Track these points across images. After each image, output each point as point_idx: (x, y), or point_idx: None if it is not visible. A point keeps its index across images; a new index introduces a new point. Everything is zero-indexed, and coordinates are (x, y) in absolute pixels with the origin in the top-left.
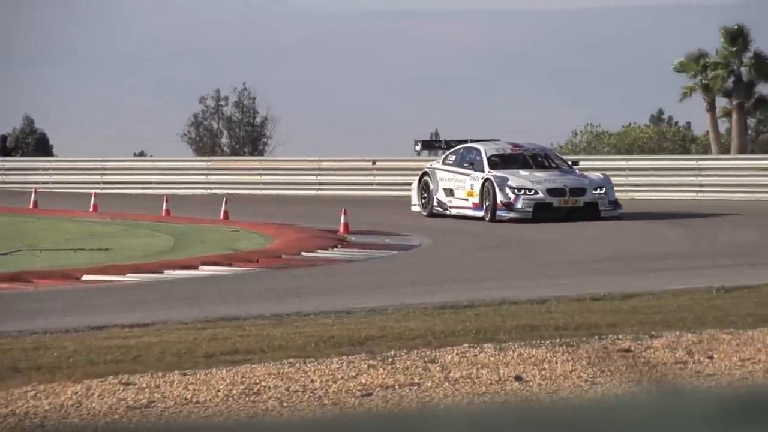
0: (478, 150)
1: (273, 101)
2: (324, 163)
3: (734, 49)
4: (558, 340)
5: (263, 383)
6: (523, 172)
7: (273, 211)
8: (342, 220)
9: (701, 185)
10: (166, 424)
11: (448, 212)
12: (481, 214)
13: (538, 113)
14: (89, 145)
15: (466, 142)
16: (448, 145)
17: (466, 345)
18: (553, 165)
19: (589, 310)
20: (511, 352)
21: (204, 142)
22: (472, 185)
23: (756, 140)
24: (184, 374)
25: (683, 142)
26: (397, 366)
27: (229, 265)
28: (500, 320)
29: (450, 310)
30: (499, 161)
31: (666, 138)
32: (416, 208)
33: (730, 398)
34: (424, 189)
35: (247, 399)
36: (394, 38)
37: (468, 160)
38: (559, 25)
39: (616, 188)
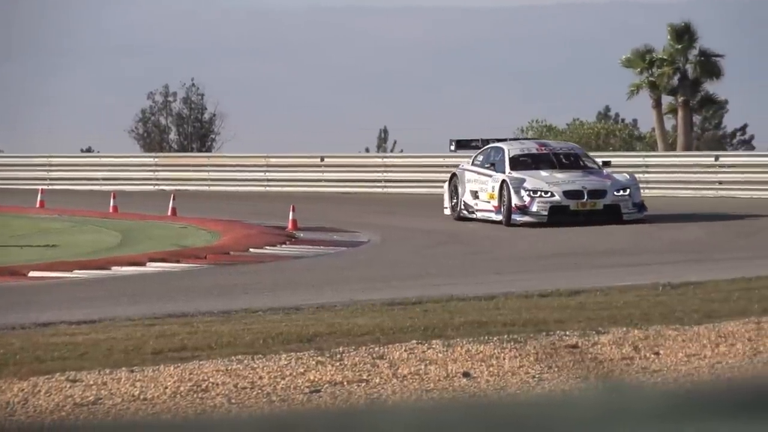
0: (501, 150)
1: (221, 97)
2: (272, 160)
3: (680, 46)
4: (506, 337)
5: (211, 380)
6: (543, 173)
7: (221, 208)
8: (290, 217)
9: (647, 182)
10: (114, 421)
11: (474, 215)
12: (500, 217)
13: (485, 109)
14: (36, 142)
15: (505, 140)
16: (486, 144)
17: (415, 341)
18: (581, 165)
19: (537, 307)
20: (459, 349)
21: (152, 138)
22: (492, 187)
23: (701, 138)
24: (132, 371)
25: (630, 140)
26: (346, 362)
27: (177, 261)
28: (448, 317)
29: (398, 307)
30: (523, 161)
31: (614, 135)
32: (447, 211)
33: (675, 394)
34: (454, 191)
35: (195, 396)
36: (342, 34)
37: (491, 161)
38: (506, 22)
39: None
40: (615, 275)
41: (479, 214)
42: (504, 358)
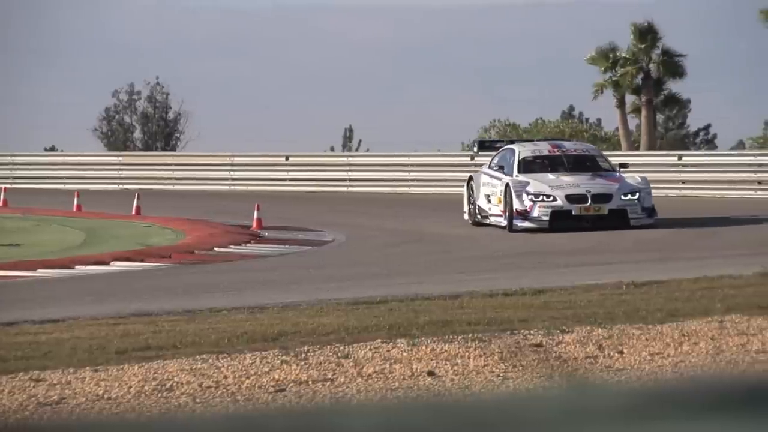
0: (513, 151)
1: (186, 96)
2: (237, 159)
3: (644, 46)
4: (470, 336)
5: (176, 379)
6: (551, 176)
7: (186, 207)
8: (255, 216)
9: None
10: (78, 421)
11: (488, 221)
12: (506, 223)
13: (450, 108)
14: None
15: (530, 141)
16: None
17: (379, 340)
18: (594, 167)
19: (502, 306)
20: (424, 348)
21: (116, 137)
22: (501, 190)
23: (664, 137)
24: (96, 370)
25: (594, 140)
26: (311, 361)
27: (141, 260)
28: (413, 316)
29: (363, 306)
30: (534, 163)
31: (581, 135)
32: (465, 216)
33: (639, 392)
34: (471, 195)
35: (159, 395)
36: (307, 33)
37: (503, 163)
38: (470, 21)
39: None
40: (579, 274)
41: (492, 219)
42: (469, 357)
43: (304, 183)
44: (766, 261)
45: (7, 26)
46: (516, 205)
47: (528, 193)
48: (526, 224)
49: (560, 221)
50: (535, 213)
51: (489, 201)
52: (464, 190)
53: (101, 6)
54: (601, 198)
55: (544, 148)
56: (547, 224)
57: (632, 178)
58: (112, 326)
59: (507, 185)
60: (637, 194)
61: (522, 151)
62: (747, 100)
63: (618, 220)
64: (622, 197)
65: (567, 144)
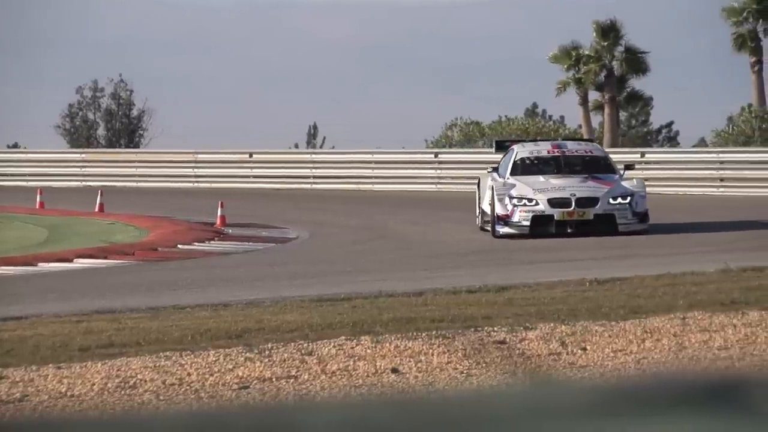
0: (513, 152)
1: (149, 94)
2: (201, 156)
3: (606, 43)
4: (434, 333)
5: (139, 376)
6: (541, 179)
7: (149, 204)
8: (219, 213)
9: None
10: (41, 418)
11: (487, 226)
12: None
13: (414, 106)
14: None
15: (548, 140)
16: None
17: (343, 337)
18: (594, 169)
19: (465, 303)
20: (387, 345)
21: (79, 134)
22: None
23: (626, 134)
24: (59, 368)
25: (555, 137)
26: (274, 359)
27: (105, 258)
28: (377, 313)
29: (327, 303)
30: (530, 164)
31: (542, 132)
32: (478, 221)
33: (602, 389)
34: (478, 198)
35: (122, 392)
36: (270, 30)
37: (503, 164)
38: (433, 19)
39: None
40: (543, 271)
41: (489, 225)
42: (432, 354)
43: (268, 180)
44: (728, 258)
45: None
46: (498, 209)
47: (511, 197)
48: (506, 230)
49: (542, 227)
50: (516, 218)
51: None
52: (475, 194)
53: (65, 3)
54: (586, 202)
55: (543, 149)
56: (528, 230)
57: (628, 181)
58: (75, 324)
59: (491, 188)
60: (629, 198)
61: (520, 151)
62: (709, 97)
63: (605, 226)
64: (611, 201)
65: (570, 144)
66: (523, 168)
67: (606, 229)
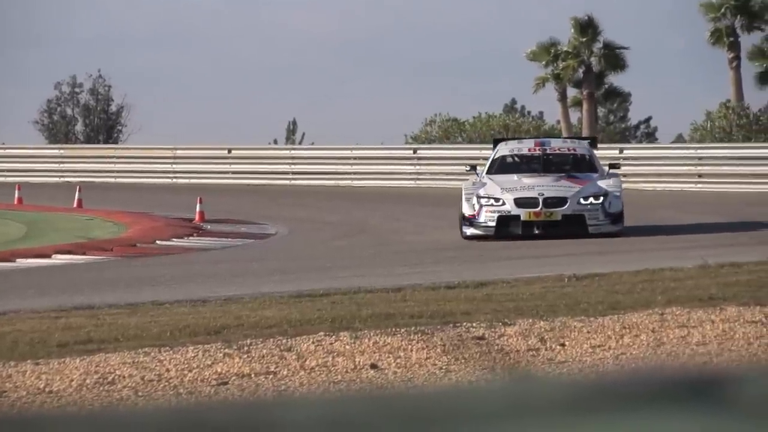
0: (496, 150)
1: (128, 89)
2: (179, 152)
3: (584, 39)
4: (413, 329)
5: (118, 372)
6: (515, 177)
7: (128, 200)
8: (197, 209)
9: None
10: (18, 414)
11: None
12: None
13: (393, 102)
14: None
15: (518, 138)
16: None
17: (322, 333)
18: (576, 168)
19: (444, 298)
20: (366, 341)
21: (58, 129)
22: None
23: (604, 130)
24: (37, 364)
25: (537, 134)
26: (253, 354)
27: (83, 254)
28: (356, 308)
29: (306, 299)
30: (509, 163)
31: (521, 129)
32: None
33: (581, 385)
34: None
35: (101, 388)
36: (249, 26)
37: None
38: (411, 14)
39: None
40: (521, 267)
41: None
42: (411, 350)
43: (247, 176)
44: (706, 254)
45: None
46: (465, 209)
47: (479, 197)
48: (472, 230)
49: (508, 228)
50: (482, 218)
51: None
52: None
53: None
54: (554, 202)
55: (525, 147)
56: (493, 231)
57: (604, 180)
58: (54, 319)
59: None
60: (602, 198)
61: (501, 149)
62: (687, 93)
63: (575, 227)
64: (582, 201)
65: (555, 142)
66: (500, 166)
67: (575, 231)
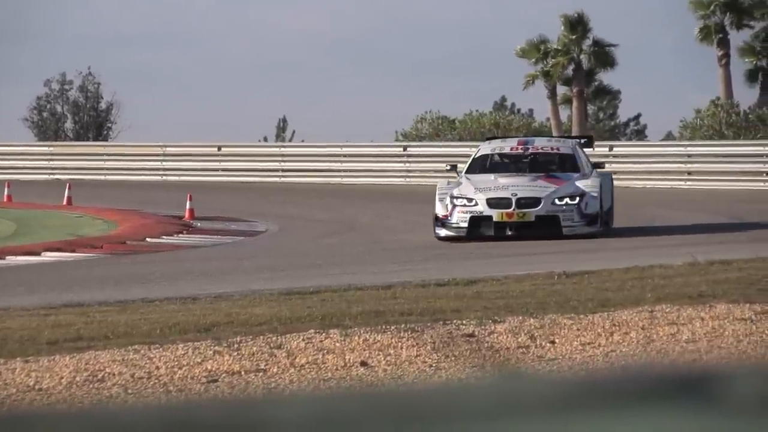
0: (478, 149)
1: (118, 87)
2: (169, 149)
3: (574, 37)
4: (403, 326)
5: (108, 370)
6: (492, 177)
7: (117, 197)
8: (187, 206)
9: None
10: (8, 412)
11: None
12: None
13: (383, 99)
14: None
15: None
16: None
17: (312, 331)
18: (560, 168)
19: (434, 296)
20: (356, 338)
21: (47, 127)
22: None
23: (593, 128)
24: (27, 361)
25: (527, 131)
26: (243, 352)
27: (73, 251)
28: (346, 306)
29: (296, 296)
30: (490, 162)
31: (510, 128)
32: None
33: (571, 382)
34: None
35: (91, 386)
36: (238, 23)
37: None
38: (401, 11)
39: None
40: (511, 265)
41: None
42: (401, 348)
43: (237, 173)
44: (695, 251)
45: None
46: (438, 209)
47: (452, 197)
48: (444, 231)
49: (480, 228)
50: (454, 219)
51: None
52: None
53: None
54: (527, 202)
55: (508, 145)
56: (465, 232)
57: (583, 181)
58: (44, 317)
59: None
60: (578, 199)
61: (483, 148)
62: (677, 91)
63: (549, 228)
64: (557, 202)
65: (538, 141)
66: (480, 165)
67: (549, 232)
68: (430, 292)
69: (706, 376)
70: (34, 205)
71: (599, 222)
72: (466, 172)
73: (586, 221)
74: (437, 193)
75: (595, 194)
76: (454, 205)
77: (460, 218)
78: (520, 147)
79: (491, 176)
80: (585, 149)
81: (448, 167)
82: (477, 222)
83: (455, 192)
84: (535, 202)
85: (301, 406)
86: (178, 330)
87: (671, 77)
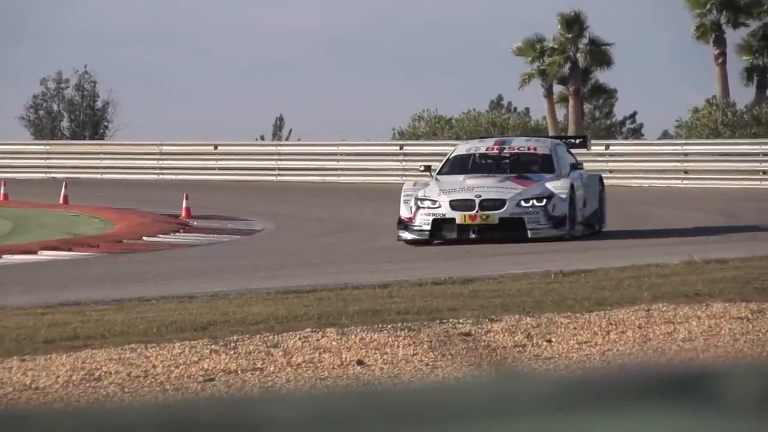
0: (454, 149)
1: (114, 85)
2: (165, 148)
3: (570, 35)
4: (400, 325)
5: (104, 369)
6: (460, 178)
7: (114, 196)
8: (184, 205)
9: None
10: (5, 411)
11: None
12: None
13: (380, 98)
14: None
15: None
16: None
17: (309, 330)
18: (539, 169)
19: (431, 295)
20: (353, 337)
21: (44, 125)
22: None
23: (590, 127)
24: (23, 360)
25: (523, 130)
26: (240, 351)
27: (69, 250)
28: (343, 305)
29: (293, 295)
30: (462, 162)
31: (507, 127)
32: None
33: (567, 381)
34: None
35: (87, 385)
36: (235, 23)
37: None
38: (397, 10)
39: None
40: (507, 263)
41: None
42: (398, 346)
43: (234, 172)
44: (692, 250)
45: None
46: (402, 212)
47: (417, 198)
48: (406, 235)
49: (443, 231)
50: (417, 221)
51: None
52: None
53: None
54: (491, 204)
55: (484, 146)
56: (428, 235)
57: (554, 182)
58: (40, 316)
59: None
60: (545, 201)
61: (459, 148)
62: (673, 89)
63: (513, 231)
64: (522, 203)
65: (516, 141)
66: (453, 166)
67: (514, 235)
68: (426, 291)
69: (702, 374)
70: (31, 204)
71: (567, 224)
72: (438, 173)
73: (553, 224)
74: (402, 194)
75: (564, 196)
76: (419, 207)
77: (423, 221)
78: (495, 147)
79: (460, 177)
80: (580, 149)
81: (422, 168)
82: (439, 224)
83: (420, 194)
84: (499, 203)
85: (298, 405)
86: (175, 329)
87: (667, 76)
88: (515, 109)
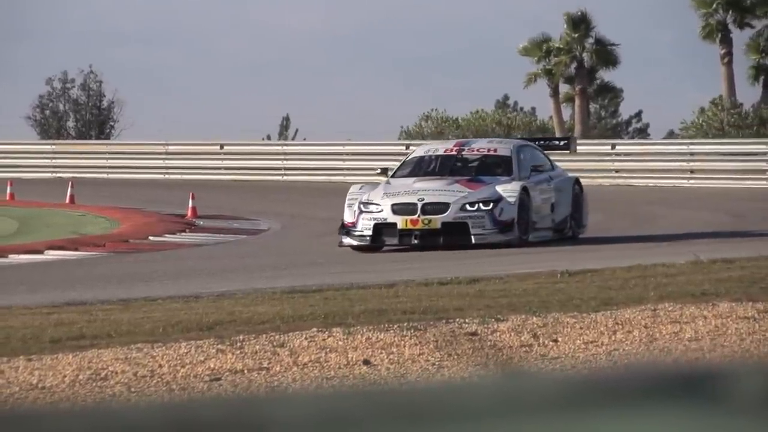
0: (414, 151)
1: (120, 85)
2: (171, 147)
3: (577, 35)
4: (406, 324)
5: (110, 368)
6: (410, 181)
7: (120, 196)
8: (190, 205)
9: None
10: (11, 410)
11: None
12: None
13: (386, 98)
14: None
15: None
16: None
17: (315, 329)
18: (499, 172)
19: (437, 294)
20: (359, 336)
21: (50, 125)
22: None
23: (596, 126)
24: (30, 359)
25: (528, 129)
26: (246, 350)
27: (76, 249)
28: (349, 305)
29: (299, 295)
30: (418, 165)
31: (513, 126)
32: None
33: (574, 380)
34: None
35: (94, 384)
36: (241, 22)
37: None
38: (403, 9)
39: None
40: (513, 263)
41: None
42: (404, 346)
43: (240, 172)
44: (698, 250)
45: None
46: (346, 216)
47: (361, 202)
48: (348, 240)
49: (384, 236)
50: (359, 226)
51: None
52: None
53: None
54: (434, 208)
55: (443, 147)
56: (369, 240)
57: (505, 185)
58: (46, 315)
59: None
60: (491, 205)
61: (419, 149)
62: (679, 89)
63: (457, 236)
64: (468, 207)
65: (478, 142)
66: (409, 168)
67: (457, 240)
68: (432, 291)
69: (709, 374)
70: (37, 204)
71: (516, 230)
72: (393, 176)
73: (499, 228)
74: (346, 198)
75: (512, 200)
76: (362, 212)
77: (364, 225)
78: (454, 149)
79: (411, 180)
80: (563, 151)
81: (378, 171)
82: (380, 230)
83: (365, 198)
84: (442, 207)
85: (304, 405)
86: (181, 328)
87: (673, 75)
88: (521, 108)
